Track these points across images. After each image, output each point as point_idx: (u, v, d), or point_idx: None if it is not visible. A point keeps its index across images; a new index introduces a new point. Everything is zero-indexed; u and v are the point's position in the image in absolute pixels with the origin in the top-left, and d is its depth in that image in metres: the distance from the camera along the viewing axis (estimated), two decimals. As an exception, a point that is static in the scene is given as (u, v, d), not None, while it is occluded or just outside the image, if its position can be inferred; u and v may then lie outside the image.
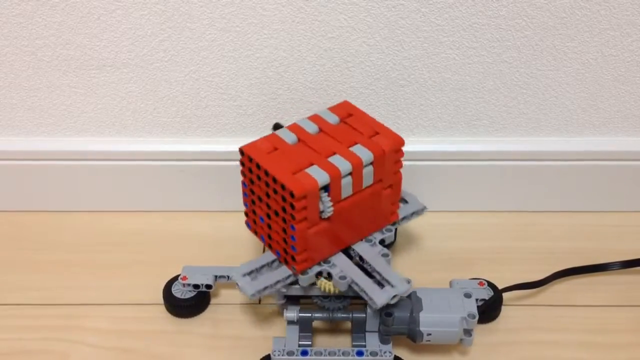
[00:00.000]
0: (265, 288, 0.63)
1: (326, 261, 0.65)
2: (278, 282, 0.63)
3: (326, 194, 0.60)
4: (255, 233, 0.67)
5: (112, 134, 0.80)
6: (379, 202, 0.65)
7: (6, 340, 0.70)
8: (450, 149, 0.79)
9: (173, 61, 0.74)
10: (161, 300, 0.73)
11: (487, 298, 0.71)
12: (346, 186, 0.61)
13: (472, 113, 0.78)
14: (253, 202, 0.64)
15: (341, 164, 0.60)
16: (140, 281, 0.76)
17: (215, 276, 0.72)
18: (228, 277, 0.72)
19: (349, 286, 0.63)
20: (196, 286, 0.72)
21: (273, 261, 0.65)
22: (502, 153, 0.80)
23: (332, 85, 0.76)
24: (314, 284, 0.65)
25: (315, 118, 0.65)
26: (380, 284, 0.63)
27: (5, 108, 0.78)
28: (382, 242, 0.67)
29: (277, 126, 0.67)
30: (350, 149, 0.62)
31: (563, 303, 0.74)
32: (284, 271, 0.64)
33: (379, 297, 0.62)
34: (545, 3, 0.70)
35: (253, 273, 0.65)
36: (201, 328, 0.71)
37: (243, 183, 0.64)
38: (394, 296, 0.62)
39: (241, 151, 0.62)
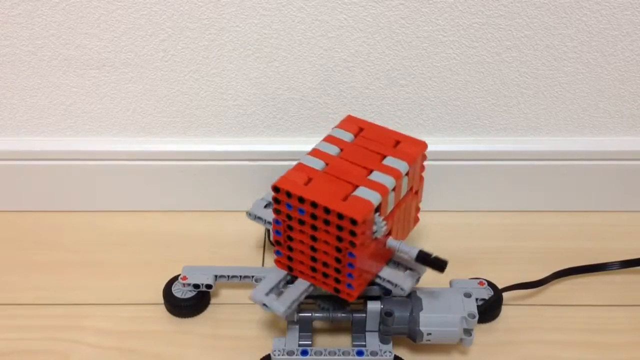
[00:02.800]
0: (293, 302, 0.61)
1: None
2: (302, 293, 0.62)
3: (377, 213, 0.58)
4: (290, 269, 0.64)
5: (112, 134, 0.80)
6: (410, 209, 0.64)
7: (6, 340, 0.70)
8: (450, 149, 0.79)
9: (173, 61, 0.74)
10: (161, 300, 0.73)
11: (487, 298, 0.71)
12: (391, 201, 0.60)
13: (472, 113, 0.78)
14: (289, 237, 0.61)
15: (385, 180, 0.59)
16: (140, 281, 0.76)
17: (215, 276, 0.72)
18: (228, 277, 0.72)
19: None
20: (196, 286, 0.72)
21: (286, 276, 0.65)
22: (502, 153, 0.80)
23: (332, 85, 0.76)
24: None
25: (330, 139, 0.64)
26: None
27: (5, 108, 0.78)
28: None
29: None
30: (384, 162, 0.61)
31: (563, 303, 0.74)
32: (302, 284, 0.63)
33: (405, 282, 0.62)
34: (545, 3, 0.70)
35: (274, 290, 0.63)
36: (201, 328, 0.71)
37: (276, 221, 0.61)
38: (418, 278, 0.63)
39: (275, 188, 0.58)
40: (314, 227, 0.59)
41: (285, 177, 0.59)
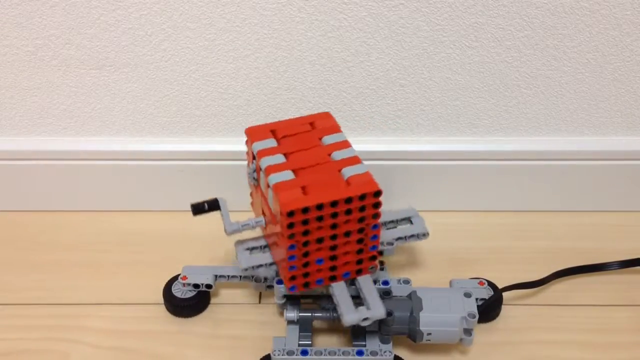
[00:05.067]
0: (260, 266, 0.65)
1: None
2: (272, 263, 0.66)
3: (253, 165, 0.65)
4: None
5: (112, 134, 0.80)
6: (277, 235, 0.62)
7: (6, 340, 0.70)
8: (450, 149, 0.79)
9: (173, 61, 0.74)
10: (161, 300, 0.73)
11: (487, 297, 0.71)
12: (251, 174, 0.65)
13: (472, 113, 0.78)
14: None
15: (271, 160, 0.62)
16: (140, 281, 0.76)
17: (215, 276, 0.72)
18: (228, 277, 0.72)
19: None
20: (196, 286, 0.72)
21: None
22: (502, 153, 0.80)
23: (332, 85, 0.76)
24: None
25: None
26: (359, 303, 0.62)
27: (5, 108, 0.78)
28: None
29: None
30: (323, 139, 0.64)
31: (563, 303, 0.74)
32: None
33: (350, 316, 0.60)
34: (545, 3, 0.70)
35: (255, 250, 0.68)
36: (201, 328, 0.71)
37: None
38: (365, 319, 0.60)
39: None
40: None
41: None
